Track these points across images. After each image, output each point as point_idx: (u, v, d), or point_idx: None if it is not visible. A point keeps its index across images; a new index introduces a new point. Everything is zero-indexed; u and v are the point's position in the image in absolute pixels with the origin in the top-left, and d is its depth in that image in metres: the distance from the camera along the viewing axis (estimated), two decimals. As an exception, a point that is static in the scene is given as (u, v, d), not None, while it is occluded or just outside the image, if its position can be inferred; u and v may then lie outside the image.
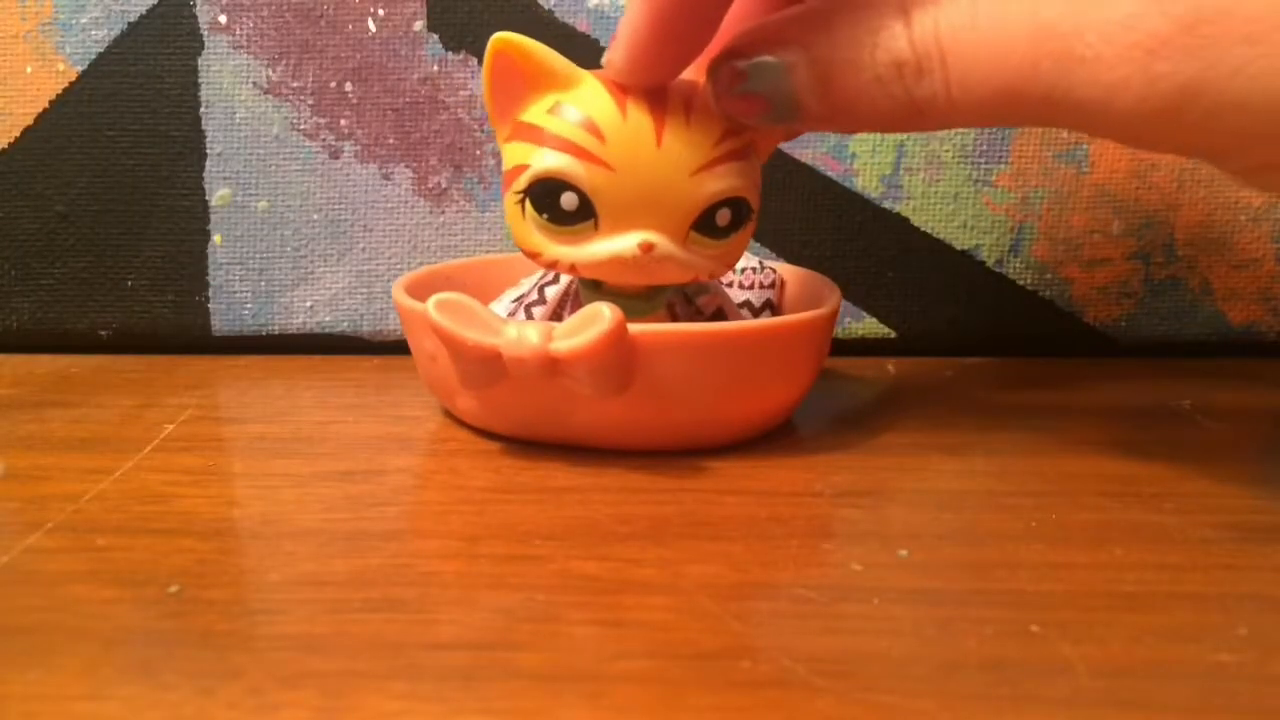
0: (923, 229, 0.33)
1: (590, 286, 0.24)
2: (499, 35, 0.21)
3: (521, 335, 0.21)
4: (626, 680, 0.15)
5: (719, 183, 0.21)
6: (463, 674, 0.15)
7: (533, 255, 0.22)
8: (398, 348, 0.33)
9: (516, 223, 0.22)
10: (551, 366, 0.21)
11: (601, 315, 0.20)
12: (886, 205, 0.33)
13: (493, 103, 0.22)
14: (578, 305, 0.24)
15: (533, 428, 0.24)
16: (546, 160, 0.21)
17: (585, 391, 0.21)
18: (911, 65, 0.18)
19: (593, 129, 0.21)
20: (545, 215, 0.22)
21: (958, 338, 0.33)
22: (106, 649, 0.15)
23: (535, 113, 0.22)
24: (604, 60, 0.21)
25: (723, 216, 0.22)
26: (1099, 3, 0.16)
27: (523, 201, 0.22)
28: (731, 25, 0.22)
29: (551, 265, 0.22)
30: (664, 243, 0.21)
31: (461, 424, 0.26)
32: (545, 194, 0.21)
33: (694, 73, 0.21)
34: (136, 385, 0.29)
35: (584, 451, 0.23)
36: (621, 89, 0.21)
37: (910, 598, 0.17)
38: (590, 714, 0.14)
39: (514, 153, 0.22)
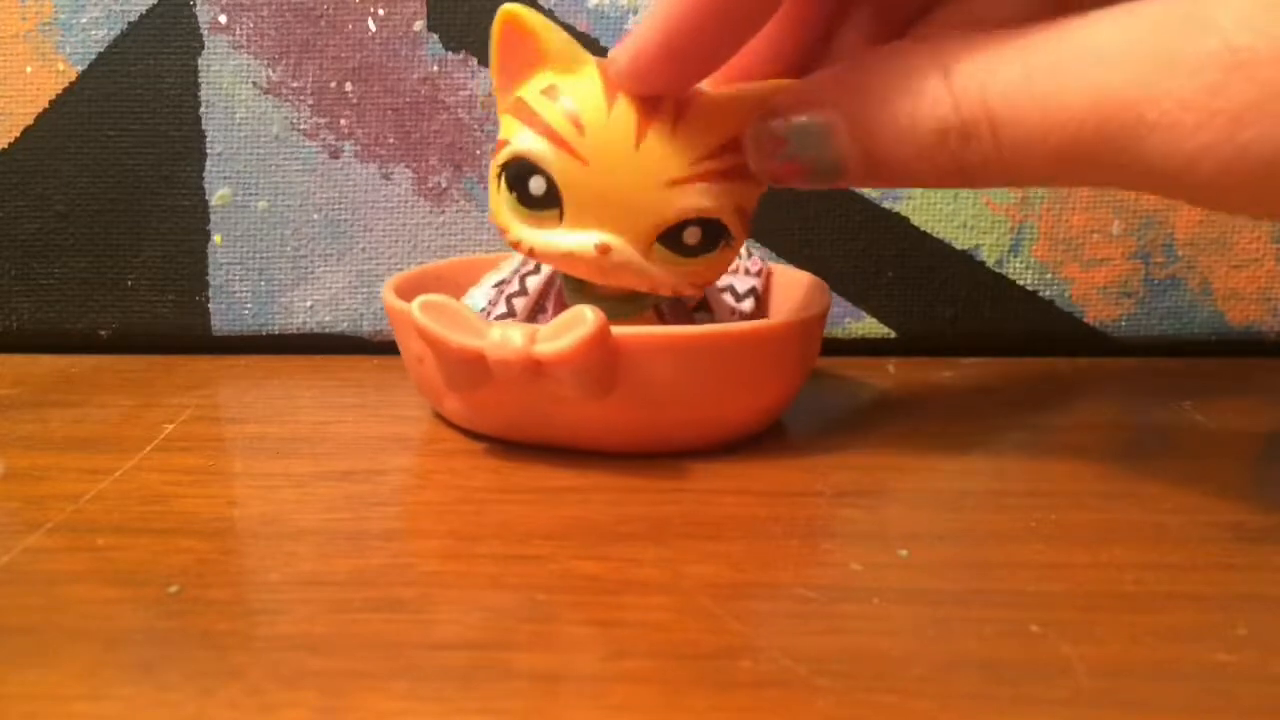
0: (923, 229, 0.33)
1: (574, 286, 0.24)
2: (507, 6, 0.21)
3: (505, 337, 0.21)
4: (626, 680, 0.15)
5: (692, 200, 0.21)
6: (462, 674, 0.15)
7: (501, 231, 0.22)
8: (397, 347, 0.33)
9: (492, 195, 0.22)
10: (535, 369, 0.21)
11: (584, 318, 0.20)
12: (886, 205, 0.33)
13: (497, 73, 0.22)
14: (560, 298, 0.24)
15: (519, 430, 0.24)
16: (524, 141, 0.21)
17: (570, 394, 0.21)
18: (956, 131, 0.17)
19: (574, 118, 0.20)
20: (515, 195, 0.21)
21: (958, 338, 0.33)
22: (106, 649, 0.15)
23: (529, 90, 0.21)
24: (608, 58, 0.20)
25: (691, 235, 0.21)
26: (1172, 69, 0.16)
27: (500, 176, 0.22)
28: (751, 53, 0.22)
29: (515, 245, 0.22)
30: (623, 248, 0.21)
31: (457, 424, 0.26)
32: (518, 174, 0.21)
33: (708, 84, 0.21)
34: (136, 385, 0.29)
35: (583, 451, 0.23)
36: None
37: (910, 598, 0.17)
38: (590, 714, 0.14)
39: (505, 125, 0.22)
